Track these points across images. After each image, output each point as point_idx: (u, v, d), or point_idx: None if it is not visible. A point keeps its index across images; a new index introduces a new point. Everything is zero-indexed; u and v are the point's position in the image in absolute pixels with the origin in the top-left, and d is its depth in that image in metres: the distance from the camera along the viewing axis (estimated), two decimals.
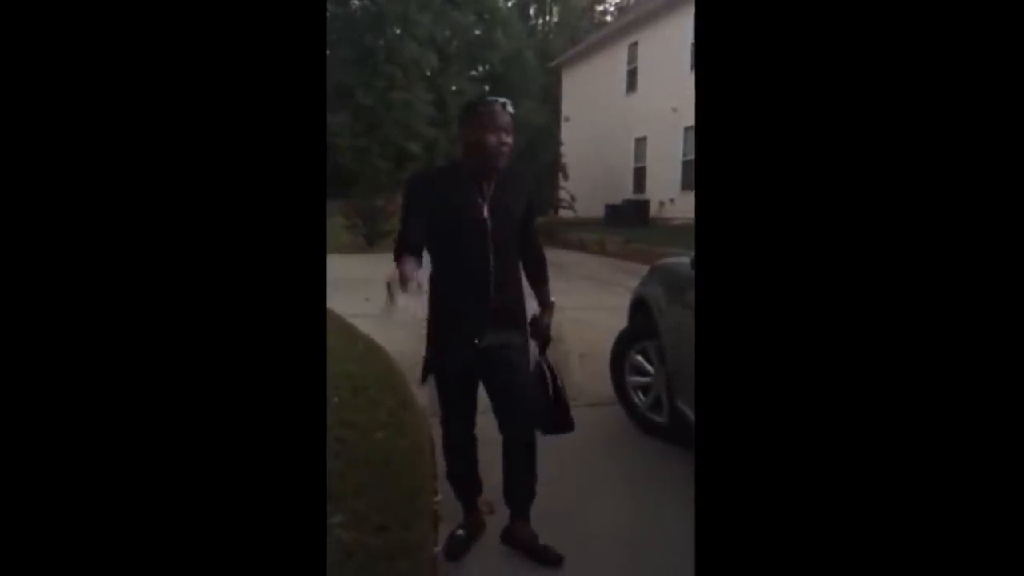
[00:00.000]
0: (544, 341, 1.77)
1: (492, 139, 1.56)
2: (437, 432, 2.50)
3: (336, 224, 10.76)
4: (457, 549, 1.77)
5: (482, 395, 1.75)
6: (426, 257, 1.64)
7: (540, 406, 1.75)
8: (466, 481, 1.83)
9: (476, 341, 1.63)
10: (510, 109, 1.60)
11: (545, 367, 1.77)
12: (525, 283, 1.76)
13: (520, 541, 1.75)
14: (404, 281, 1.46)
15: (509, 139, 1.58)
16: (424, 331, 1.73)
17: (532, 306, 1.80)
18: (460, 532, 1.81)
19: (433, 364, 1.71)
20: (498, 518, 1.86)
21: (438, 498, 2.04)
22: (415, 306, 1.63)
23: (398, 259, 1.53)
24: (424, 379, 1.76)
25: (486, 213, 1.60)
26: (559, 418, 1.78)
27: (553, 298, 1.81)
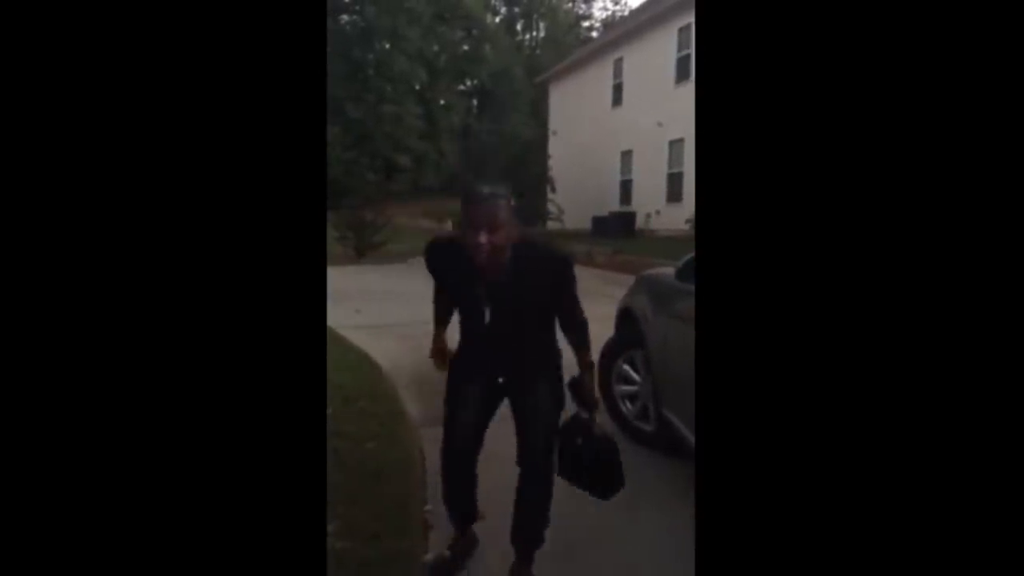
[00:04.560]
0: (586, 403, 1.70)
1: (470, 238, 1.43)
2: (428, 442, 2.52)
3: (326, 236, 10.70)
4: (445, 570, 1.76)
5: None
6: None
7: (585, 468, 1.70)
8: (462, 508, 1.81)
9: (499, 380, 1.67)
10: (508, 200, 1.45)
11: (595, 428, 1.70)
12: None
13: None
14: (439, 363, 1.80)
15: (496, 236, 1.41)
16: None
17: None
18: (447, 553, 1.78)
19: (449, 395, 1.74)
20: (489, 531, 1.88)
21: (428, 507, 2.06)
22: None
23: (434, 337, 1.81)
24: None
25: (484, 301, 1.57)
26: (607, 479, 1.70)
27: (593, 359, 1.75)
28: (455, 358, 1.75)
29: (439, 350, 1.81)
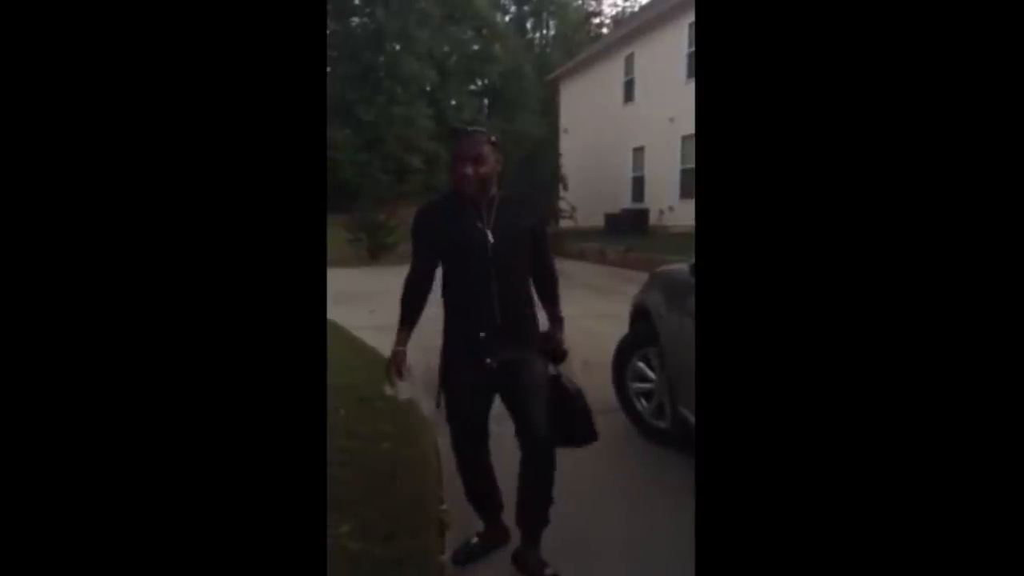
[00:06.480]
0: (557, 356, 1.76)
1: (456, 168, 1.61)
2: (443, 441, 2.53)
3: (339, 238, 10.80)
4: (467, 555, 1.79)
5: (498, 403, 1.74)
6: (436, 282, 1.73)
7: (560, 421, 1.72)
8: (485, 499, 1.83)
9: (488, 361, 1.64)
10: (489, 137, 1.62)
11: (563, 381, 1.75)
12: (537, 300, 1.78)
13: (528, 569, 1.71)
14: (396, 374, 1.70)
15: (481, 168, 1.59)
16: (433, 343, 1.76)
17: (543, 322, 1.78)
18: (474, 540, 1.82)
19: (446, 386, 1.72)
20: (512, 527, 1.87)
21: (444, 506, 2.06)
22: (408, 389, 1.73)
23: (397, 339, 1.70)
24: (439, 404, 1.75)
25: (488, 233, 1.63)
26: (580, 428, 1.76)
27: (563, 314, 1.83)
28: (444, 345, 1.72)
29: (400, 356, 1.68)
